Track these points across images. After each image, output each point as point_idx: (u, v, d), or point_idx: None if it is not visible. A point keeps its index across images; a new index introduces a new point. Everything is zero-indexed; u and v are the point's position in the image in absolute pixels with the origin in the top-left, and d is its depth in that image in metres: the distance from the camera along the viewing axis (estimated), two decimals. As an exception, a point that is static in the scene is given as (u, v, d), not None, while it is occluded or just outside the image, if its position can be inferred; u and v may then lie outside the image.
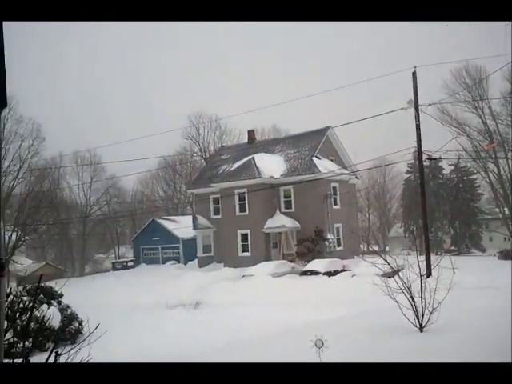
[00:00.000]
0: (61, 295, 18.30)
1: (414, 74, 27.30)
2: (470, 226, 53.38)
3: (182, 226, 50.79)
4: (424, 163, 30.55)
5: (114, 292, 30.60)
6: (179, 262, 49.83)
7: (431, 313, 12.11)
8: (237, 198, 40.52)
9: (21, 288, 16.90)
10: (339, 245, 40.07)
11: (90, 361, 5.26)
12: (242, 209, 40.33)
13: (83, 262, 63.87)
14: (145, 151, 64.52)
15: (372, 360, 9.95)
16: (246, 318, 19.47)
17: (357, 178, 46.14)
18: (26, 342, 5.91)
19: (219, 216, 42.91)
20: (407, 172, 57.44)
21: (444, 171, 55.60)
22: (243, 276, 32.79)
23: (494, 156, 48.52)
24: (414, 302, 12.51)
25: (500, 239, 52.13)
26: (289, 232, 39.32)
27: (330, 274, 31.05)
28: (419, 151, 28.26)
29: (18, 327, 6.80)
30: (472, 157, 50.03)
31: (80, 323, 17.31)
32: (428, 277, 16.12)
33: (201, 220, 45.05)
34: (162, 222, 54.70)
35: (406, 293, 12.64)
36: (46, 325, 12.76)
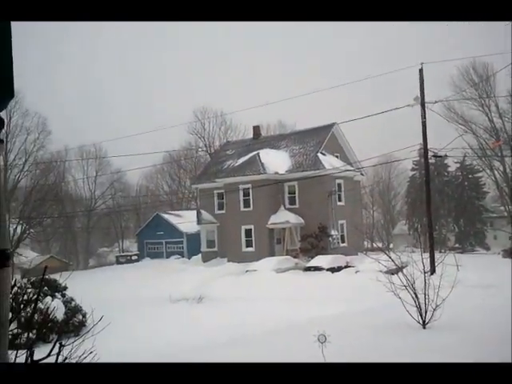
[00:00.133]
0: (65, 288, 18.40)
1: (421, 70, 27.17)
2: (475, 224, 53.25)
3: (186, 221, 50.88)
4: (429, 160, 30.45)
5: (117, 285, 30.70)
6: (183, 257, 49.97)
7: (434, 310, 12.13)
8: (241, 193, 40.53)
9: (25, 280, 17.00)
10: (343, 241, 40.06)
11: (93, 353, 5.30)
12: (247, 204, 40.34)
13: (87, 255, 64.14)
14: (150, 146, 64.73)
15: (375, 356, 9.97)
16: (250, 313, 19.51)
17: (362, 174, 46.05)
18: (30, 334, 5.96)
19: (223, 211, 42.94)
20: (412, 169, 57.32)
21: (449, 169, 55.44)
22: (247, 271, 32.84)
23: (499, 154, 48.34)
24: (417, 298, 12.53)
25: (505, 237, 51.95)
26: (293, 228, 39.33)
27: (333, 270, 31.07)
28: (425, 148, 28.17)
29: (22, 319, 6.84)
30: (478, 155, 49.87)
31: (84, 316, 17.41)
32: (432, 274, 16.12)
33: (205, 215, 45.11)
34: (166, 216, 54.82)
35: (409, 289, 12.66)
36: (50, 317, 12.80)
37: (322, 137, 42.54)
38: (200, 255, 45.63)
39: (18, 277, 27.87)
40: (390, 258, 14.05)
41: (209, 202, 44.97)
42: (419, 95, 27.17)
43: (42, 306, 14.14)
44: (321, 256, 33.99)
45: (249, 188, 39.93)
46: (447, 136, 34.70)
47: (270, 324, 16.93)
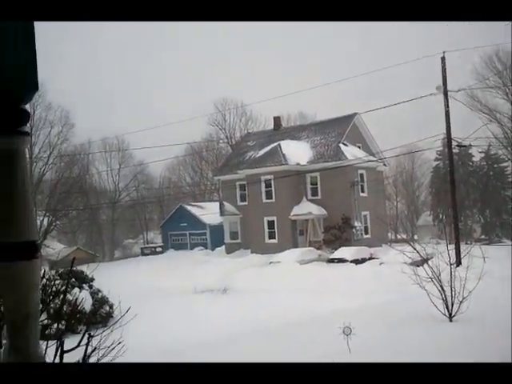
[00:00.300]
0: (92, 279, 18.72)
1: (443, 59, 26.76)
2: (501, 215, 52.38)
3: (208, 213, 51.12)
4: (453, 150, 30.06)
5: (142, 277, 31.13)
6: (206, 248, 50.27)
7: (461, 302, 12.05)
8: (263, 184, 40.56)
9: (53, 272, 17.34)
10: (366, 233, 39.85)
11: (122, 344, 5.44)
12: (269, 196, 40.38)
13: (113, 246, 64.98)
14: (171, 138, 65.07)
15: (400, 348, 9.98)
16: (273, 304, 19.63)
17: (384, 165, 45.64)
18: (59, 325, 6.14)
19: (246, 203, 43.05)
20: (436, 159, 56.54)
21: (474, 159, 54.53)
22: (270, 262, 32.96)
23: (526, 143, 47.37)
24: (443, 291, 12.45)
25: (532, 228, 50.99)
26: (315, 219, 39.25)
27: (357, 261, 30.97)
28: (448, 138, 27.82)
29: (51, 310, 7.02)
30: (503, 144, 48.96)
31: (111, 307, 17.71)
32: (458, 266, 15.98)
33: (228, 206, 45.27)
34: (189, 208, 55.15)
35: (435, 281, 12.58)
36: (79, 308, 13.09)
37: (343, 127, 42.25)
38: (223, 247, 45.86)
39: (45, 268, 28.40)
40: (415, 249, 13.98)
41: (231, 193, 45.12)
42: (442, 84, 26.80)
43: (71, 298, 14.45)
44: (344, 248, 33.90)
45: (270, 179, 39.94)
46: (471, 125, 34.13)
47: (294, 316, 17.01)
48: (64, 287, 8.74)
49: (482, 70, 47.21)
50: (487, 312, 12.57)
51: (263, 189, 40.53)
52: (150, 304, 19.17)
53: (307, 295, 21.02)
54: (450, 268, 12.63)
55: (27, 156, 1.82)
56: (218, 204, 48.52)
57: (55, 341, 4.56)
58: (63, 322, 6.73)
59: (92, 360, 4.81)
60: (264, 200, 40.45)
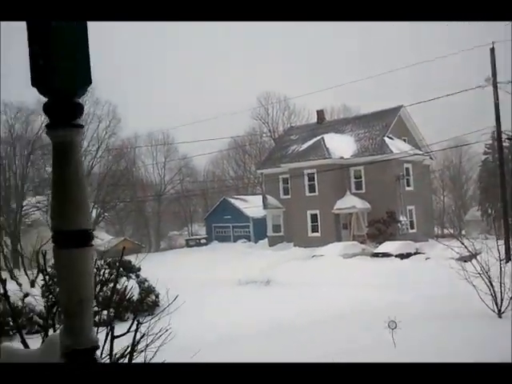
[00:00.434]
0: (139, 269, 19.15)
1: (492, 50, 25.85)
2: (554, 210, 50.35)
3: (252, 206, 51.39)
4: (503, 143, 29.08)
5: (187, 267, 31.63)
6: (250, 241, 50.58)
7: (511, 298, 11.70)
8: (306, 178, 40.40)
9: (102, 261, 17.84)
10: (412, 227, 39.10)
11: (169, 331, 5.57)
12: (312, 189, 40.20)
13: (158, 238, 66.21)
14: (215, 132, 65.58)
15: (447, 343, 9.79)
16: (316, 297, 19.58)
17: (431, 158, 44.62)
18: (106, 312, 6.34)
19: (289, 196, 43.02)
20: (485, 153, 54.78)
21: (526, 152, 52.54)
22: (313, 256, 32.86)
23: None
24: (492, 286, 12.13)
25: None
26: (359, 213, 38.84)
27: (402, 256, 30.50)
28: (498, 131, 26.94)
29: (100, 298, 7.25)
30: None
31: (157, 296, 18.09)
32: (507, 262, 15.51)
33: (271, 200, 45.37)
34: (232, 201, 55.58)
35: (484, 277, 12.27)
36: (127, 297, 13.46)
37: (388, 120, 41.52)
38: (266, 239, 46.02)
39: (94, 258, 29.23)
40: (463, 244, 13.65)
41: (274, 186, 45.17)
42: (491, 75, 25.91)
43: (119, 286, 14.85)
44: (389, 242, 33.42)
45: (314, 173, 39.75)
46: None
47: (337, 309, 16.94)
48: (112, 276, 9.03)
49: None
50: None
51: (306, 182, 40.39)
52: (196, 294, 19.45)
53: (351, 289, 20.85)
54: (500, 264, 12.29)
55: (81, 148, 1.88)
56: (261, 197, 48.68)
57: (105, 327, 4.72)
58: (111, 310, 6.96)
59: (140, 346, 4.96)
60: (307, 194, 40.31)
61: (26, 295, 14.12)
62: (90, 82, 1.74)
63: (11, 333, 15.25)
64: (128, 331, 4.83)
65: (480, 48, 26.76)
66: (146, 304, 17.34)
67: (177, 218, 70.46)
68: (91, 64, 1.75)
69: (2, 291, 4.69)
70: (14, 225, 45.37)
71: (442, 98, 30.23)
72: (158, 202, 66.07)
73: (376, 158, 37.78)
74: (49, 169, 52.23)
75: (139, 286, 18.60)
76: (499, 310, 11.99)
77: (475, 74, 31.28)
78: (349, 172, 40.06)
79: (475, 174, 64.14)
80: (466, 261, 13.67)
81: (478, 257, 13.02)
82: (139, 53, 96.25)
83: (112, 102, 54.49)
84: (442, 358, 8.81)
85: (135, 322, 4.82)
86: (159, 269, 19.68)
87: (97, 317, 5.58)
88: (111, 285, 8.09)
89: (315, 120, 49.49)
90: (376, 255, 31.58)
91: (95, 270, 7.33)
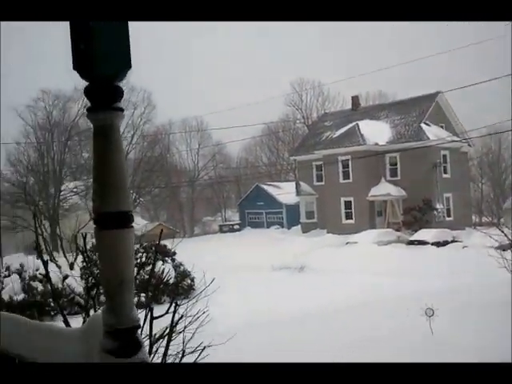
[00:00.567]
0: (174, 253, 19.43)
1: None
2: None
3: (285, 192, 51.37)
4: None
5: (221, 253, 31.91)
6: (283, 227, 50.66)
7: (552, 288, 11.39)
8: (340, 165, 40.08)
9: (138, 245, 18.18)
10: (449, 215, 38.37)
11: (206, 313, 5.65)
12: (346, 176, 39.88)
13: (192, 223, 66.98)
14: (248, 119, 65.58)
15: (484, 333, 9.63)
16: (350, 284, 19.50)
17: (469, 145, 43.56)
18: (144, 294, 6.48)
19: (322, 183, 42.79)
20: (526, 139, 53.14)
21: None
22: (347, 243, 32.70)
23: None
24: (532, 276, 11.82)
25: None
26: (394, 200, 38.36)
27: (438, 244, 30.06)
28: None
29: (137, 281, 7.41)
30: None
31: (192, 280, 18.32)
32: (549, 251, 15.06)
33: (304, 186, 45.24)
34: (265, 187, 55.66)
35: (523, 266, 11.97)
36: (164, 280, 13.71)
37: (425, 106, 40.66)
38: (299, 226, 45.99)
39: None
40: (503, 232, 13.33)
41: (307, 173, 44.98)
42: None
43: (156, 270, 15.12)
44: (425, 230, 32.96)
45: (348, 159, 39.39)
46: None
47: (371, 296, 16.84)
48: (151, 259, 9.20)
49: None
50: None
51: (340, 169, 40.07)
52: (230, 279, 19.63)
53: (385, 276, 20.66)
54: (541, 253, 11.96)
55: (121, 131, 1.91)
56: (294, 184, 48.59)
57: (143, 309, 4.82)
58: (149, 292, 7.11)
59: (179, 327, 5.05)
60: (341, 180, 40.02)
61: (66, 277, 14.52)
62: (130, 66, 1.76)
63: (52, 313, 15.80)
64: (167, 312, 4.94)
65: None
66: (182, 288, 17.59)
67: (210, 204, 71.06)
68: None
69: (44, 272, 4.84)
70: (53, 209, 46.61)
71: (481, 83, 29.33)
72: (191, 187, 66.71)
73: (412, 144, 37.12)
74: (85, 155, 53.38)
75: (175, 270, 18.88)
76: (539, 300, 11.67)
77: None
78: (384, 159, 39.52)
79: (515, 161, 62.34)
80: (504, 249, 13.36)
81: (517, 246, 12.71)
82: (176, 39, 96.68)
83: (147, 89, 55.11)
84: (480, 347, 8.68)
85: (173, 304, 4.92)
86: (193, 254, 19.90)
87: (135, 299, 5.72)
88: (147, 268, 8.26)
89: (350, 106, 48.89)
90: (411, 243, 31.20)
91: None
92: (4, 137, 48.68)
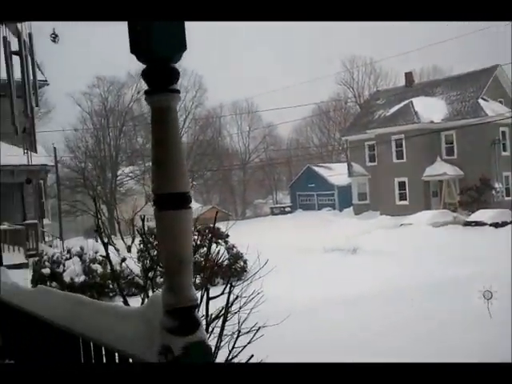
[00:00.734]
0: (227, 235, 19.68)
1: None
2: None
3: (336, 173, 50.90)
4: None
5: (273, 235, 32.07)
6: (334, 209, 50.31)
7: None
8: (394, 144, 39.22)
9: (193, 228, 18.51)
10: (508, 195, 36.93)
11: (260, 294, 5.70)
12: (399, 156, 39.02)
13: (244, 206, 67.59)
14: (299, 99, 65.03)
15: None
16: (405, 266, 19.19)
17: (531, 121, 41.55)
18: (199, 276, 6.59)
19: (375, 163, 42.05)
20: None
21: None
22: (401, 225, 32.11)
23: None
24: None
25: None
26: (451, 180, 37.25)
27: (497, 225, 29.03)
28: None
29: (193, 263, 7.56)
30: None
31: (245, 262, 18.54)
32: None
33: (356, 167, 44.63)
34: (316, 169, 55.31)
35: None
36: (219, 261, 13.92)
37: (483, 81, 39.01)
38: (351, 208, 45.54)
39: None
40: None
41: (359, 154, 44.30)
42: None
43: (210, 252, 15.37)
44: (483, 210, 31.86)
45: (402, 138, 38.50)
46: None
47: (426, 279, 16.52)
48: (207, 241, 9.37)
49: None
50: None
51: (394, 149, 39.26)
52: (283, 260, 19.74)
53: (442, 258, 20.18)
54: None
55: (177, 112, 1.94)
56: (345, 165, 48.02)
57: (197, 290, 4.92)
58: (203, 275, 7.24)
59: (234, 308, 5.13)
60: (394, 160, 39.21)
61: (124, 259, 15.00)
62: (185, 48, 1.78)
63: (111, 294, 16.39)
64: (222, 293, 5.02)
65: None
66: (235, 269, 17.83)
67: (261, 187, 71.33)
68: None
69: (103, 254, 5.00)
70: (110, 193, 48.10)
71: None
72: (243, 170, 67.15)
73: (469, 121, 35.81)
74: (140, 140, 54.61)
75: (228, 253, 19.14)
76: None
77: None
78: (439, 137, 38.35)
79: None
80: None
81: None
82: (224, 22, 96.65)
83: (198, 72, 55.56)
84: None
85: (228, 285, 5.00)
86: (246, 236, 20.08)
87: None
88: (202, 250, 8.40)
89: (403, 83, 47.55)
90: (468, 224, 30.29)
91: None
92: (62, 124, 50.45)
